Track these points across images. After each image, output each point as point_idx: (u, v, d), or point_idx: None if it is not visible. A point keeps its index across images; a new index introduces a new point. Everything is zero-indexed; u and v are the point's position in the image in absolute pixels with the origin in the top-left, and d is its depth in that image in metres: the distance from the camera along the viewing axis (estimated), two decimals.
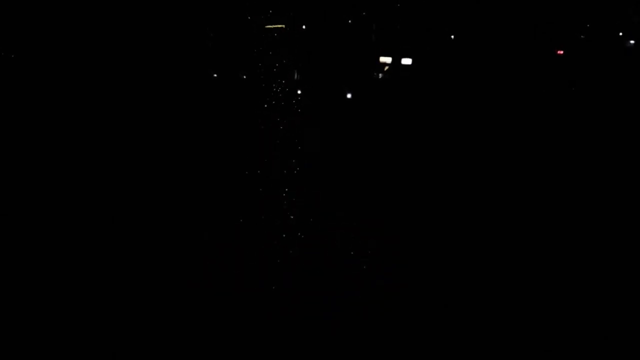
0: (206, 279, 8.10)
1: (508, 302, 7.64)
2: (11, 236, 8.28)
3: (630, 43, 11.44)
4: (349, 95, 12.47)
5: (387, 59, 12.76)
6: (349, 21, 12.87)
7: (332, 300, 7.74)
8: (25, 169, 9.44)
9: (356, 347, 6.98)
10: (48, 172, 9.53)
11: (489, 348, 6.91)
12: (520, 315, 7.36)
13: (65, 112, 10.32)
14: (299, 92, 12.56)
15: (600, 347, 6.82)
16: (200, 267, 8.35)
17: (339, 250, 8.87)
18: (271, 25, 12.83)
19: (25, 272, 7.84)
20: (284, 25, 12.88)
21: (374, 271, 8.49)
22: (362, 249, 8.88)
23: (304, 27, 12.84)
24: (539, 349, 6.92)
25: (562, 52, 11.62)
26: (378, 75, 12.78)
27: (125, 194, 9.50)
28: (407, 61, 12.63)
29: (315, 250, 8.93)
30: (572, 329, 7.12)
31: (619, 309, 7.26)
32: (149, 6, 11.05)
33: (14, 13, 9.65)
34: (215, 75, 12.22)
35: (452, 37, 12.50)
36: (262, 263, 8.65)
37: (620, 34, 11.45)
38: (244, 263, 8.58)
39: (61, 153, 9.84)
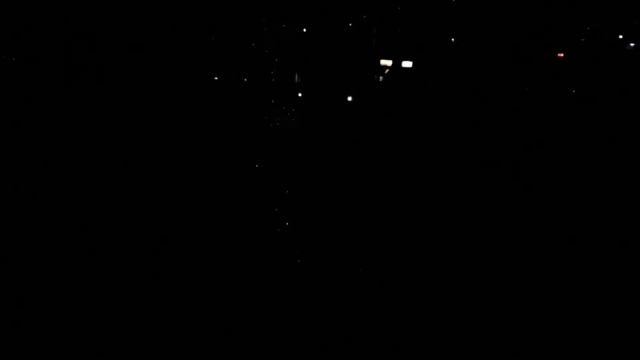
0: (205, 280, 8.09)
1: (508, 302, 7.62)
2: (11, 236, 8.28)
3: (630, 46, 11.42)
4: (349, 98, 12.50)
5: (388, 62, 12.79)
6: (350, 24, 12.88)
7: (329, 300, 7.73)
8: (26, 170, 9.44)
9: (354, 346, 6.97)
10: (48, 172, 9.53)
11: (488, 348, 6.89)
12: (520, 314, 7.35)
13: (67, 113, 10.33)
14: (299, 94, 12.58)
15: (599, 347, 6.80)
16: (199, 269, 8.35)
17: (337, 250, 8.86)
18: (271, 28, 12.85)
19: (25, 272, 7.83)
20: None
21: (371, 272, 8.47)
22: (360, 250, 8.87)
23: (304, 30, 12.86)
24: (538, 348, 6.90)
25: (562, 54, 11.61)
26: (379, 78, 12.81)
27: (125, 195, 9.50)
28: (407, 64, 12.67)
29: (313, 251, 8.92)
30: (571, 329, 7.09)
31: (619, 309, 7.24)
32: (150, 9, 11.08)
33: (13, 14, 9.68)
34: (216, 78, 12.25)
35: (453, 39, 12.51)
36: (260, 264, 8.64)
37: (621, 36, 11.45)
38: (242, 265, 8.57)
39: (62, 154, 9.84)
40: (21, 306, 7.38)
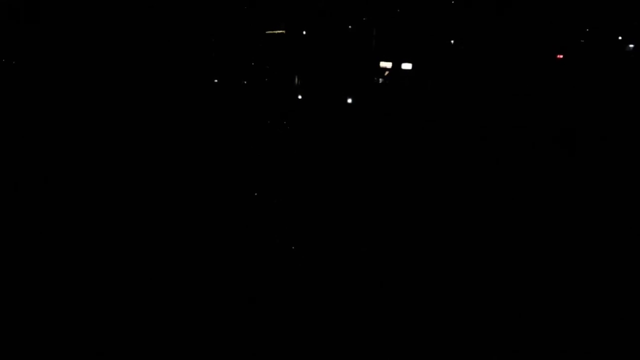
0: (204, 280, 8.07)
1: (508, 302, 7.59)
2: (11, 236, 8.27)
3: (629, 47, 11.43)
4: (349, 100, 12.52)
5: (388, 64, 12.82)
6: (349, 26, 12.90)
7: (329, 301, 7.71)
8: (26, 170, 9.46)
9: (353, 346, 6.94)
10: (49, 173, 9.54)
11: (488, 348, 6.86)
12: (519, 313, 7.31)
13: (68, 115, 10.35)
14: (299, 96, 12.60)
15: (599, 347, 6.76)
16: (199, 269, 8.33)
17: (336, 251, 8.84)
18: (271, 31, 12.88)
19: (25, 272, 7.82)
20: (284, 31, 12.92)
21: (370, 273, 8.45)
22: (359, 251, 8.85)
23: (304, 32, 12.88)
24: (537, 349, 6.86)
25: (562, 55, 11.62)
26: (378, 80, 12.83)
27: (125, 196, 9.51)
28: (407, 66, 12.70)
29: (312, 252, 8.91)
30: (570, 330, 7.06)
31: (619, 309, 7.21)
32: (151, 11, 11.12)
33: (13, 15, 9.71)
34: (216, 80, 12.28)
35: (452, 42, 12.53)
36: (259, 263, 8.62)
37: (620, 37, 11.46)
38: (241, 265, 8.56)
39: (62, 155, 9.86)
40: (21, 306, 7.36)
